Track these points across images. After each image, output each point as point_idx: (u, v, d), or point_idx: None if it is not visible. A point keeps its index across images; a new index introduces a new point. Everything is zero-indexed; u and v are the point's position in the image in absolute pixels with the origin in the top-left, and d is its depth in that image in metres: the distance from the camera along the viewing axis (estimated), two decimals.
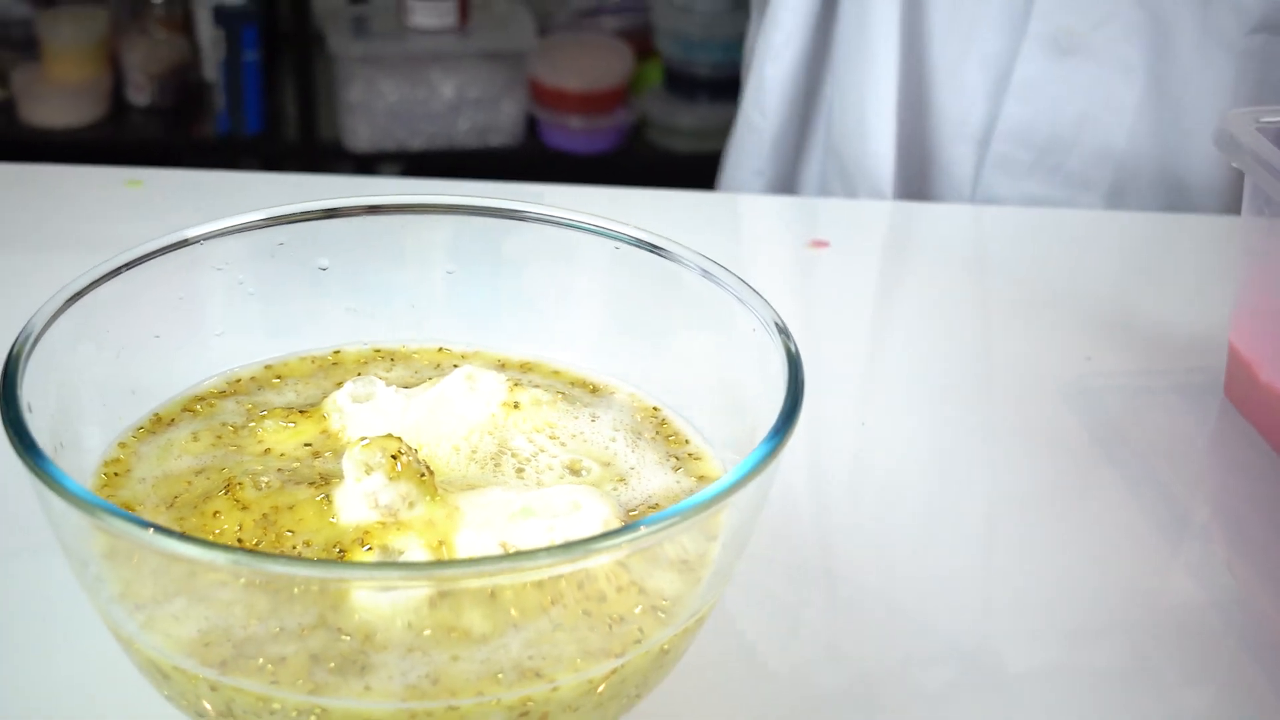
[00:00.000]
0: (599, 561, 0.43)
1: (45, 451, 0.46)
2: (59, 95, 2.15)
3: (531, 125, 2.26)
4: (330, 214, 0.58)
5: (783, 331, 0.50)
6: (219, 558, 0.41)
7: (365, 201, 0.58)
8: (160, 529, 0.42)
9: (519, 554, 0.42)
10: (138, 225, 0.79)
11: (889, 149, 0.98)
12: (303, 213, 0.58)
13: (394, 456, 0.48)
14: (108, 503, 0.43)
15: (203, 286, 0.56)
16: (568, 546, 0.42)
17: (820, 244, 0.86)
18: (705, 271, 0.55)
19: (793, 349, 0.49)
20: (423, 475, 0.49)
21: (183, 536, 0.41)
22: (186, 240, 0.56)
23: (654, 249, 0.56)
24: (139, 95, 2.20)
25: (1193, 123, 0.97)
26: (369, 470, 0.48)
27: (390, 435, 0.49)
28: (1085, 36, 0.95)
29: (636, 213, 0.89)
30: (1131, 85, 0.97)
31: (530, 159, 2.24)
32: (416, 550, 0.48)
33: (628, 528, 0.43)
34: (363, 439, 0.49)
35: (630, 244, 0.57)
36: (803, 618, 0.60)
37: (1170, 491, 0.68)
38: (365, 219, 0.59)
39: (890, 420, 0.72)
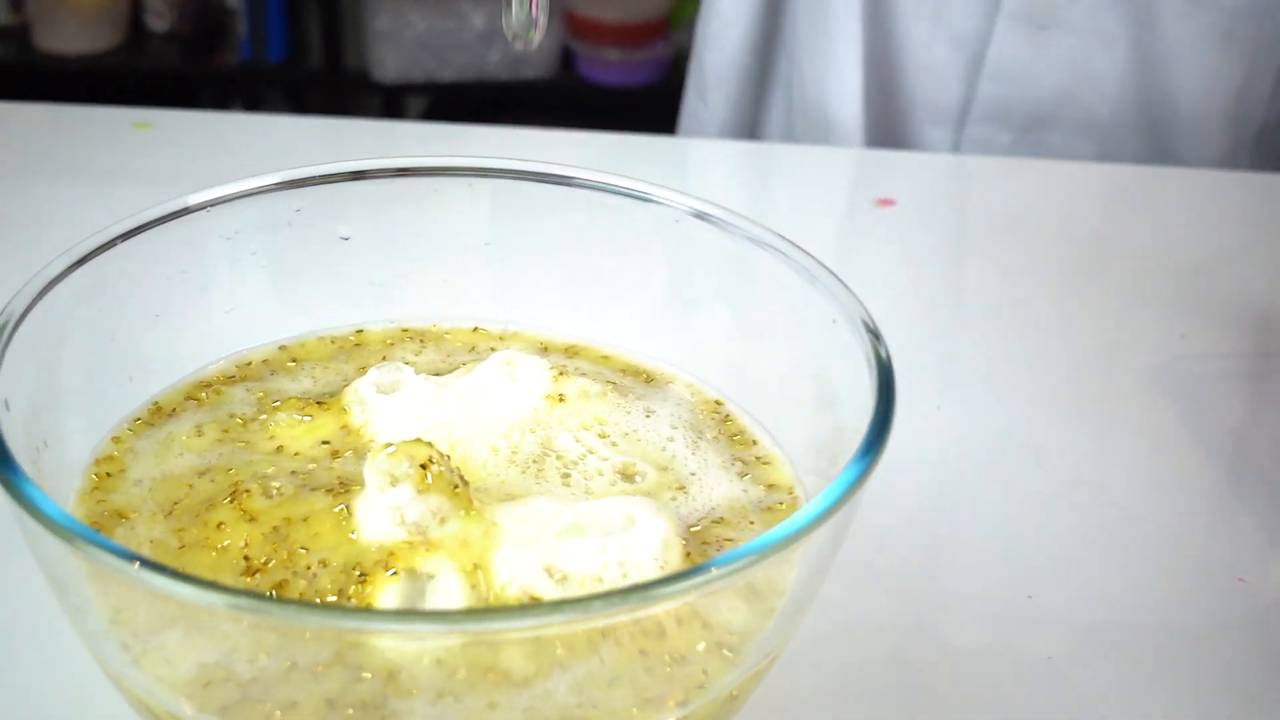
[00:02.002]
0: (659, 609, 0.37)
1: (24, 456, 0.40)
2: (75, 21, 2.07)
3: (567, 58, 2.18)
4: (354, 176, 0.52)
5: (872, 333, 0.43)
6: (217, 601, 0.35)
7: (393, 164, 0.52)
8: (148, 564, 0.35)
9: (566, 603, 0.35)
10: (143, 178, 0.73)
11: (856, 136, 0.91)
12: (323, 175, 0.51)
13: (423, 466, 0.42)
14: (91, 531, 0.37)
15: (210, 258, 0.50)
16: (624, 593, 0.36)
17: (887, 202, 0.79)
18: (779, 251, 0.48)
19: (884, 355, 0.43)
20: (456, 487, 0.42)
21: (174, 574, 0.35)
22: (191, 207, 0.49)
23: (721, 223, 0.50)
24: (158, 21, 2.12)
25: (1179, 89, 0.90)
26: (394, 482, 0.42)
27: (419, 440, 0.43)
28: (1063, 10, 0.88)
29: (683, 167, 0.83)
30: (1113, 55, 0.89)
31: (565, 92, 2.16)
32: (448, 575, 0.41)
33: (696, 570, 0.36)
34: (387, 445, 0.42)
35: (693, 216, 0.50)
36: (897, 615, 0.54)
37: (1273, 484, 0.61)
38: (393, 182, 0.52)
39: (968, 403, 0.66)
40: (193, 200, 0.49)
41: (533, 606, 0.35)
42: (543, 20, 0.48)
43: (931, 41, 0.91)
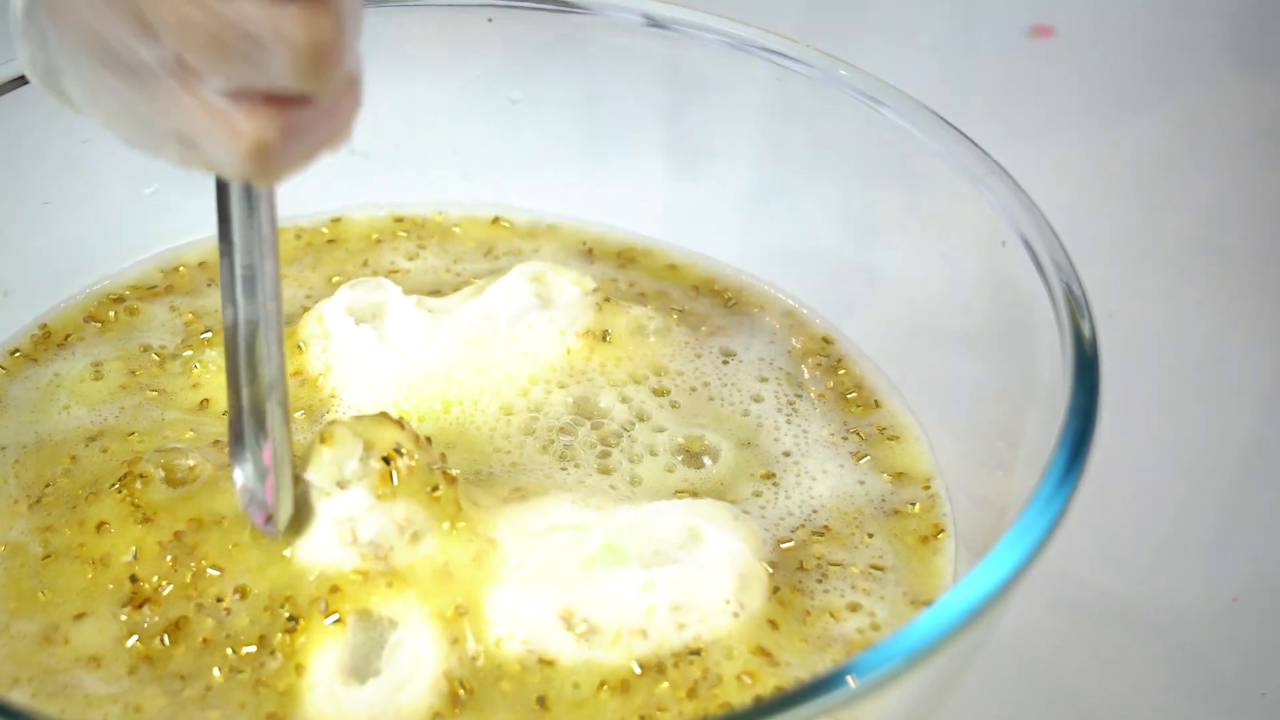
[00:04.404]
0: None
1: None
2: None
3: None
4: None
5: (1069, 287, 0.29)
6: None
7: None
8: None
9: None
10: None
11: None
12: None
13: (386, 460, 0.28)
14: None
15: None
16: None
17: (1044, 30, 0.63)
18: (927, 129, 0.33)
19: (1088, 334, 0.28)
20: (435, 490, 0.29)
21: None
22: None
23: (842, 84, 0.34)
24: None
25: None
26: (342, 482, 0.28)
27: (384, 416, 0.29)
28: None
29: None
30: None
31: None
32: (416, 624, 0.28)
33: (806, 693, 0.22)
34: (334, 424, 0.29)
35: (803, 69, 0.35)
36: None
37: None
38: (387, 11, 0.38)
39: (1150, 304, 0.50)
40: None
41: None
42: (285, 508, 0.29)
43: None
